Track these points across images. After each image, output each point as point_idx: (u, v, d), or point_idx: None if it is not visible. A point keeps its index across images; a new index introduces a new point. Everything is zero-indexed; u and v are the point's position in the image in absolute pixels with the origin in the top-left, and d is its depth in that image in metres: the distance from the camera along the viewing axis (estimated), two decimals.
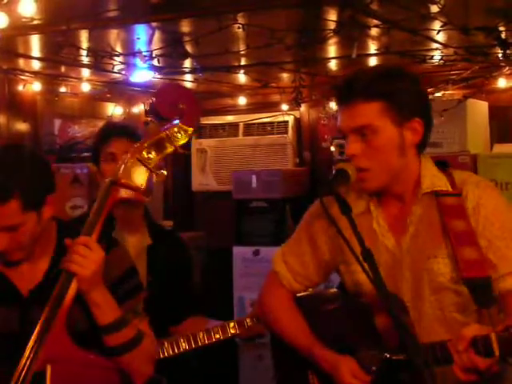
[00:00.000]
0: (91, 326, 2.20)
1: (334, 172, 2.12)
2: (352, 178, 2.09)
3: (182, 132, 2.22)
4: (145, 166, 2.19)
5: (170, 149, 2.23)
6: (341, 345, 2.21)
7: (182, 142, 2.23)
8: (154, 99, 2.31)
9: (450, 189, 2.18)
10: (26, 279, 2.25)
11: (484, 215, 2.13)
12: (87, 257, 2.11)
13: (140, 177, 2.19)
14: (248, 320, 3.06)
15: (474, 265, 2.06)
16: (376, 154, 2.11)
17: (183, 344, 3.04)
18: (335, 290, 2.46)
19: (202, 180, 6.80)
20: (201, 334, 3.04)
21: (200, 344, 3.04)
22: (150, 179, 2.23)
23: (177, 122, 2.23)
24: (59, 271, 2.16)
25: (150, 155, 2.20)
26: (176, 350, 3.03)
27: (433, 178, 2.20)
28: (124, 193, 2.19)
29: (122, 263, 2.35)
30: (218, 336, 3.06)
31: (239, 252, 5.82)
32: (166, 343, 3.03)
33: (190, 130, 2.23)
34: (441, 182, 2.20)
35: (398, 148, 2.13)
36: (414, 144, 2.18)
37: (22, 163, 2.15)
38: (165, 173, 2.23)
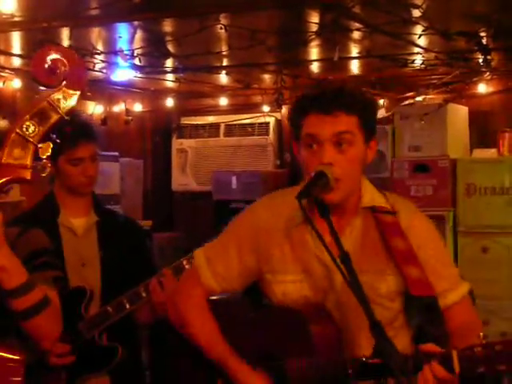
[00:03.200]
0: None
1: (313, 174, 2.11)
2: (331, 182, 2.09)
3: (67, 97, 2.01)
4: (27, 140, 2.00)
5: (55, 117, 2.02)
6: (261, 354, 2.20)
7: (68, 108, 2.01)
8: (31, 66, 2.06)
9: (388, 206, 2.26)
10: None
11: (418, 236, 2.22)
12: None
13: (23, 153, 2.01)
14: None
15: (421, 283, 2.13)
16: (348, 165, 2.16)
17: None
18: (241, 296, 2.43)
19: (182, 180, 6.79)
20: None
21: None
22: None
23: (60, 86, 2.00)
24: None
25: (31, 128, 2.00)
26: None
27: (373, 195, 2.28)
28: (9, 173, 2.00)
29: (34, 243, 2.35)
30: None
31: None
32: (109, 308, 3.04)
33: (76, 93, 2.02)
34: (380, 200, 2.28)
35: (362, 162, 2.22)
36: (368, 162, 2.27)
37: None
38: (50, 144, 2.02)
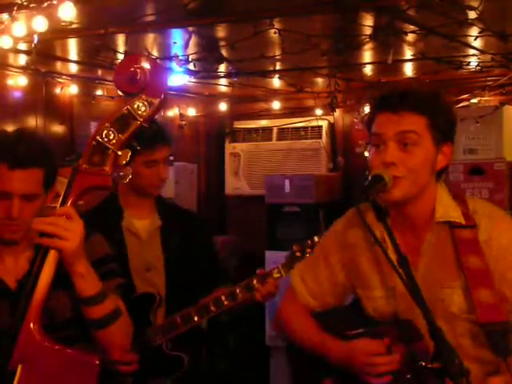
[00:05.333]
0: (76, 313, 2.18)
1: (369, 178, 2.11)
2: (389, 185, 2.08)
3: (147, 104, 2.03)
4: (107, 147, 2.02)
5: (134, 125, 2.03)
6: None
7: (148, 115, 2.03)
8: (113, 75, 2.11)
9: (464, 221, 2.18)
10: (11, 271, 2.25)
11: (497, 248, 2.14)
12: (70, 229, 2.03)
13: (103, 160, 2.03)
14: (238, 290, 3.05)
15: (491, 309, 2.06)
16: (413, 165, 2.11)
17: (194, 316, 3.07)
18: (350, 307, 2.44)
19: (235, 184, 6.81)
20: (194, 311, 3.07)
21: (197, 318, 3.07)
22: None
23: (139, 94, 2.03)
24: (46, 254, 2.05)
25: (111, 136, 2.02)
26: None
27: (447, 208, 2.20)
28: (88, 179, 2.04)
29: (100, 249, 2.35)
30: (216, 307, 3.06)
31: (272, 256, 5.80)
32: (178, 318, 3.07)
33: (156, 101, 2.03)
34: (455, 213, 2.20)
35: (431, 166, 2.16)
36: (439, 168, 2.20)
37: (47, 144, 2.29)
38: (129, 151, 2.04)
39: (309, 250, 3.02)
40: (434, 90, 2.25)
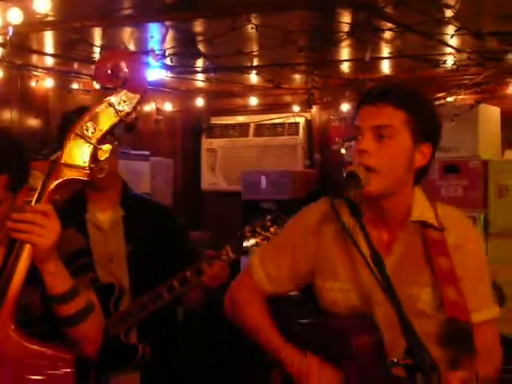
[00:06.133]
0: (47, 309, 2.16)
1: (345, 175, 2.11)
2: (363, 182, 2.09)
3: (127, 100, 2.02)
4: (87, 141, 2.01)
5: (114, 120, 2.03)
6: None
7: (128, 110, 2.03)
8: (94, 68, 2.09)
9: (436, 223, 2.21)
10: None
11: (465, 255, 2.19)
12: (47, 226, 2.01)
13: (82, 154, 2.02)
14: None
15: (458, 306, 2.10)
16: (387, 157, 2.12)
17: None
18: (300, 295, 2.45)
19: (211, 179, 6.81)
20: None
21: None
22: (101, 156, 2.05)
23: (120, 89, 2.03)
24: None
25: (91, 129, 2.01)
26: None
27: (423, 209, 2.23)
28: (67, 173, 2.03)
29: (74, 243, 2.33)
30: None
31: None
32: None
33: (136, 96, 2.03)
34: (429, 214, 2.23)
35: (407, 162, 2.17)
36: (417, 168, 2.22)
37: (13, 145, 2.20)
38: (110, 146, 2.03)
39: (259, 230, 3.00)
40: (418, 89, 2.27)
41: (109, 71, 2.02)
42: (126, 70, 2.02)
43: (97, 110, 2.04)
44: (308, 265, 2.31)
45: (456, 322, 2.07)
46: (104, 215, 3.18)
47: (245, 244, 3.02)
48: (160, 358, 3.15)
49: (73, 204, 3.18)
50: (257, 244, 3.02)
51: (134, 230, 3.18)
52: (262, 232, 3.00)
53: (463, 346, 2.04)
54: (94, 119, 2.03)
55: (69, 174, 2.03)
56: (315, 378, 2.15)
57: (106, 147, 2.03)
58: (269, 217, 3.01)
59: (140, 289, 3.10)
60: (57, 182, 2.03)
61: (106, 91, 2.05)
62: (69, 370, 2.01)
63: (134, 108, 2.05)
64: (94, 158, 2.04)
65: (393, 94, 2.15)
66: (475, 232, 2.30)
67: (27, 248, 2.02)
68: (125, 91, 2.03)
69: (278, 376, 2.29)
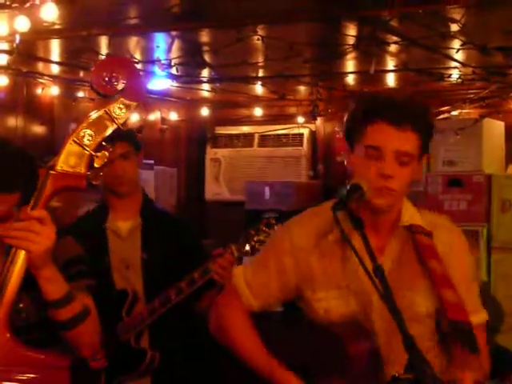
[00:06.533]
0: (42, 316, 2.17)
1: (348, 187, 2.11)
2: (366, 195, 2.09)
3: (124, 108, 2.02)
4: (83, 148, 2.01)
5: (111, 127, 2.03)
6: (297, 373, 2.17)
7: (125, 118, 2.03)
8: (91, 75, 2.09)
9: (426, 227, 2.23)
10: None
11: (452, 261, 2.20)
12: (42, 233, 2.01)
13: (78, 161, 2.02)
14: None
15: (458, 308, 2.10)
16: (405, 180, 2.14)
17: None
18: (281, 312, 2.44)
19: (215, 189, 6.81)
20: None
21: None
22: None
23: (117, 97, 2.02)
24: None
25: (87, 137, 2.01)
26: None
27: (412, 214, 2.25)
28: (63, 179, 2.02)
29: (71, 250, 2.34)
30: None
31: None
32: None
33: (133, 104, 2.03)
34: (417, 219, 2.25)
35: (413, 177, 2.19)
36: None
37: (27, 163, 2.23)
38: (106, 153, 2.03)
39: (264, 229, 3.05)
40: (424, 104, 2.26)
41: (106, 78, 2.02)
42: (122, 77, 2.02)
43: (94, 117, 2.04)
44: (295, 277, 2.28)
45: (460, 324, 2.07)
46: (124, 223, 3.24)
47: (247, 247, 3.07)
48: (172, 365, 3.17)
49: (97, 212, 3.29)
50: (259, 242, 3.04)
51: (151, 239, 3.22)
52: (266, 229, 3.04)
53: (469, 347, 2.05)
54: (91, 126, 2.03)
55: (64, 181, 2.03)
56: None
57: (102, 154, 2.03)
58: (272, 215, 3.05)
59: (154, 296, 3.11)
60: (52, 188, 2.03)
61: (103, 98, 2.05)
62: (64, 376, 2.01)
63: (129, 116, 2.05)
64: (89, 165, 2.04)
65: (412, 116, 2.13)
66: (461, 237, 2.30)
67: (22, 254, 2.02)
68: (122, 99, 2.02)
69: None
